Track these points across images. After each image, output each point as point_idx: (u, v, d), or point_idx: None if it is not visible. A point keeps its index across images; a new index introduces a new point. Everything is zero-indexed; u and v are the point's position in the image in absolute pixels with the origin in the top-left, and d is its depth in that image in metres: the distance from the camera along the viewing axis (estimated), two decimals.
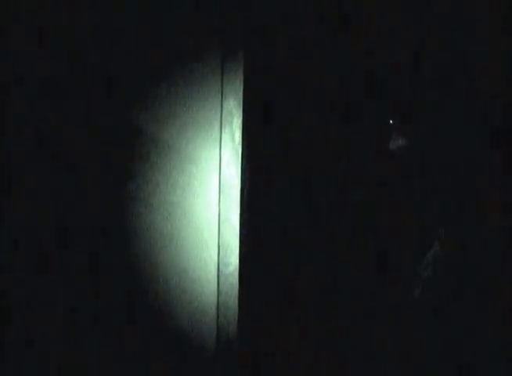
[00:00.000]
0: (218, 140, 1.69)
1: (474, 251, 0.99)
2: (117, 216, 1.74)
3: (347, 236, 2.01)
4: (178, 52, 1.70)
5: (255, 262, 1.83)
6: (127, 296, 1.74)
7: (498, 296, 0.90)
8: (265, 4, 1.74)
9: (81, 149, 1.73)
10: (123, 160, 1.74)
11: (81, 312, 1.75)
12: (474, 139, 0.99)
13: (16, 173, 1.74)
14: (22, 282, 1.74)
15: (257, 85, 1.79)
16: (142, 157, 1.73)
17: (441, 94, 0.97)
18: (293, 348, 1.93)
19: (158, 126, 1.72)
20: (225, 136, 1.69)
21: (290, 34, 1.83)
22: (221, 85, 1.68)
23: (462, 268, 1.00)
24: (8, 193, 1.73)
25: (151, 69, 1.72)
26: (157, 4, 1.70)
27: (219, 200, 1.70)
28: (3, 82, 1.72)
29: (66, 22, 1.71)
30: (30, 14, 1.70)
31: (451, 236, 1.08)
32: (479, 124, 0.99)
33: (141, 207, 1.73)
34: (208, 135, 1.70)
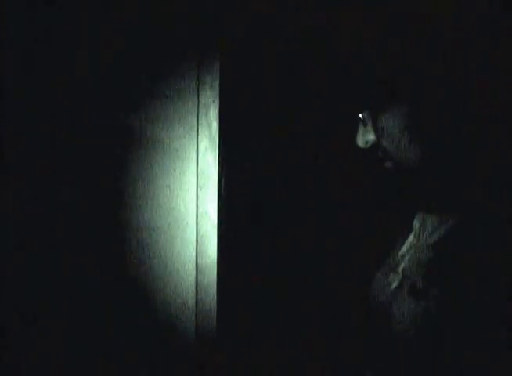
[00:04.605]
0: (195, 130, 1.69)
1: (452, 239, 0.99)
2: (93, 208, 1.72)
3: (327, 229, 2.02)
4: (156, 42, 1.68)
5: (233, 253, 1.83)
6: (104, 287, 1.72)
7: (483, 283, 0.90)
8: None
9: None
10: (99, 152, 1.72)
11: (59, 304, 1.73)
12: (454, 130, 0.98)
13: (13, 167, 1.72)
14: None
15: (235, 74, 1.78)
16: (118, 149, 1.71)
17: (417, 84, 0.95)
18: (274, 338, 1.94)
19: (134, 117, 1.70)
20: (202, 126, 1.68)
21: (268, 26, 1.82)
22: (198, 75, 1.67)
23: (439, 258, 0.99)
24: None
25: (128, 60, 1.69)
26: None
27: (196, 191, 1.69)
28: None
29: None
30: None
31: (425, 227, 1.08)
32: (458, 117, 0.98)
33: (117, 198, 1.71)
34: (185, 124, 1.70)
